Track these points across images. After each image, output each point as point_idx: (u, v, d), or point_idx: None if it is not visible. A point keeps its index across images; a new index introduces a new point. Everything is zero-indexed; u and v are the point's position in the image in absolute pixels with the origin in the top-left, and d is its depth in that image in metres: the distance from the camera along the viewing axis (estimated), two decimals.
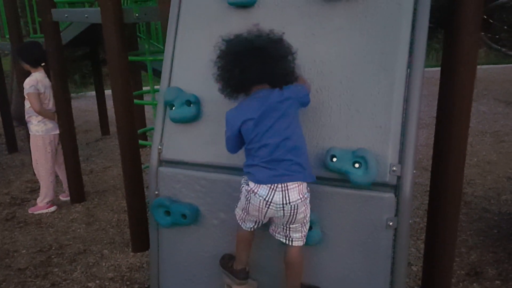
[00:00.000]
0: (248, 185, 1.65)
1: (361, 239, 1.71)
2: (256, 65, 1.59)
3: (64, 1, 3.34)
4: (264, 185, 1.59)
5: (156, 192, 2.01)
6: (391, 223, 1.66)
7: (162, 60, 2.09)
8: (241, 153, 1.84)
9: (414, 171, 1.65)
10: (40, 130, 3.74)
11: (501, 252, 2.87)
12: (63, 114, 3.77)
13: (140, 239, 3.04)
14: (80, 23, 4.04)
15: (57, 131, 3.79)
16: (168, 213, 1.96)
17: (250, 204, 1.64)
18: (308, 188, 1.65)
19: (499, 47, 8.44)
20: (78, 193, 4.06)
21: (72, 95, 8.89)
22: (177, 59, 2.05)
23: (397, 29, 1.69)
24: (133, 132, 2.97)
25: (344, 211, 1.72)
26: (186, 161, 1.97)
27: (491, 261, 2.77)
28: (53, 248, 3.19)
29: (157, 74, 5.14)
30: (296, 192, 1.59)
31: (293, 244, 1.68)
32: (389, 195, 1.66)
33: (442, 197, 2.14)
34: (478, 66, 7.80)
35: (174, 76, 2.04)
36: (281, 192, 1.57)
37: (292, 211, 1.60)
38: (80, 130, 6.80)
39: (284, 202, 1.58)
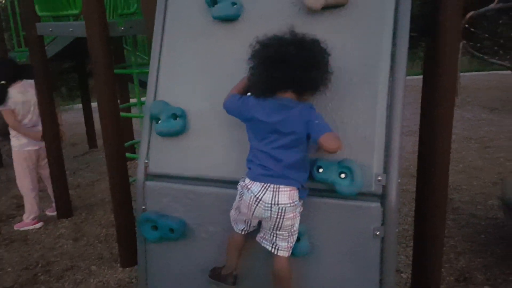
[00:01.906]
0: (244, 180, 1.69)
1: (349, 249, 1.72)
2: (280, 73, 1.58)
3: (49, 15, 3.32)
4: (258, 183, 1.63)
5: (143, 207, 2.00)
6: (378, 233, 1.67)
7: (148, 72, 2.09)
8: (230, 165, 1.85)
9: (399, 180, 1.67)
10: (15, 145, 3.73)
11: (489, 257, 2.90)
12: (48, 128, 3.73)
13: (129, 254, 3.00)
14: (65, 37, 4.03)
15: (33, 147, 3.75)
16: (155, 227, 1.95)
17: (242, 200, 1.68)
18: (302, 202, 1.68)
19: (482, 55, 8.62)
20: (65, 208, 4.01)
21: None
22: (162, 73, 2.05)
23: (379, 41, 1.72)
24: (120, 145, 2.95)
25: (332, 222, 1.73)
26: (173, 174, 1.97)
27: (480, 266, 2.80)
28: (40, 265, 3.14)
29: (144, 85, 5.14)
30: (286, 196, 1.61)
31: (279, 254, 1.69)
32: (375, 205, 1.67)
33: (428, 204, 2.17)
34: (462, 74, 7.97)
35: (159, 90, 2.04)
36: (272, 192, 1.61)
37: (280, 213, 1.62)
38: (67, 143, 6.74)
39: (273, 202, 1.61)
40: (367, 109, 1.70)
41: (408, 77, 1.85)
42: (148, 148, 2.01)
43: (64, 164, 3.97)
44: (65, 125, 6.59)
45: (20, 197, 4.43)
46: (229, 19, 1.92)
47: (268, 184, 1.62)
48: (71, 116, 8.99)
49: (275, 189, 1.61)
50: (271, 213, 1.63)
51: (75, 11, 2.86)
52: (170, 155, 1.97)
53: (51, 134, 3.77)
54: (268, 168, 1.63)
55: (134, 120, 5.55)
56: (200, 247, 1.94)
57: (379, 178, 1.66)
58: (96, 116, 3.00)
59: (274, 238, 1.69)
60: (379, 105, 1.69)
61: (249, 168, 1.70)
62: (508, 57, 8.92)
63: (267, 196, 1.62)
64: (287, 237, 1.68)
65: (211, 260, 1.92)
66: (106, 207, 4.20)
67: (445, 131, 2.08)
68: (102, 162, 5.74)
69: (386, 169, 1.67)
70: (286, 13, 1.86)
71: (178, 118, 1.92)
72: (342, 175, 1.65)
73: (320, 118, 1.62)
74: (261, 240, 1.74)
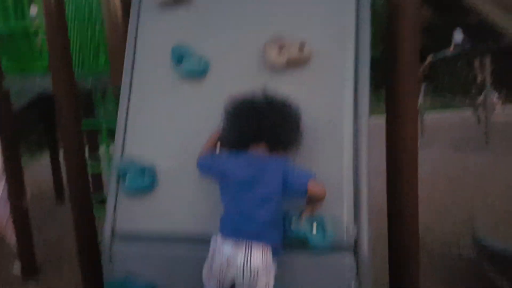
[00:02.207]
0: (215, 240, 1.63)
1: None
2: (253, 126, 1.61)
3: (16, 70, 3.29)
4: (229, 240, 1.58)
5: (111, 270, 1.92)
6: (352, 284, 1.65)
7: None
8: (201, 221, 1.82)
9: (370, 234, 1.68)
10: None
11: None
12: (13, 183, 3.61)
13: None
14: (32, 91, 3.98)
15: None
16: None
17: (213, 262, 1.61)
18: (276, 264, 1.63)
19: (443, 95, 9.02)
20: (30, 267, 3.81)
21: (25, 159, 8.57)
22: (130, 129, 2.04)
23: (342, 97, 1.78)
24: (86, 201, 2.87)
25: (306, 276, 1.70)
26: (142, 234, 1.91)
27: None
28: None
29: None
30: (259, 255, 1.56)
31: None
32: (348, 257, 1.67)
33: (401, 248, 2.18)
34: (425, 114, 8.25)
35: (127, 146, 2.02)
36: (244, 251, 1.55)
37: (253, 277, 1.56)
38: (33, 197, 6.49)
39: (245, 263, 1.55)
40: (333, 161, 1.74)
41: (378, 115, 1.89)
42: (115, 206, 1.96)
43: (29, 220, 3.81)
44: (31, 177, 6.35)
45: None
46: (196, 76, 1.95)
47: (240, 241, 1.57)
48: (38, 168, 8.73)
49: (247, 247, 1.56)
50: (243, 278, 1.57)
51: (43, 62, 2.83)
52: (139, 213, 1.92)
53: (16, 189, 3.65)
54: (240, 225, 1.59)
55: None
56: None
57: (350, 229, 1.66)
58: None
59: None
60: (345, 157, 1.73)
61: (221, 225, 1.66)
62: (469, 96, 9.36)
63: (239, 258, 1.56)
64: None
65: None
66: (74, 264, 4.01)
67: (411, 172, 2.13)
68: (69, 216, 5.54)
69: (356, 219, 1.68)
70: (251, 70, 1.92)
71: (145, 175, 1.90)
72: (314, 229, 1.65)
73: (297, 167, 1.63)
74: None
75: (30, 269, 3.80)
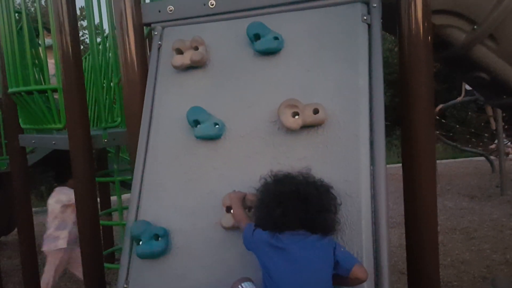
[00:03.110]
0: None
1: None
2: (298, 211, 1.52)
3: (32, 128, 3.37)
4: None
5: None
6: None
7: (131, 178, 2.07)
8: (216, 285, 1.77)
9: None
10: None
11: None
12: (24, 232, 3.69)
13: None
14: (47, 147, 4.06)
15: None
16: None
17: None
18: None
19: (454, 143, 8.97)
20: None
21: (37, 208, 8.58)
22: (145, 190, 2.04)
23: (357, 158, 1.78)
24: (98, 255, 2.84)
25: None
26: None
27: None
28: None
29: (127, 186, 5.11)
30: None
31: None
32: None
33: None
34: (438, 161, 8.18)
35: (141, 208, 2.01)
36: None
37: None
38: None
39: None
40: (351, 224, 1.70)
41: (388, 166, 1.87)
42: (128, 271, 1.93)
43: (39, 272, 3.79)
44: (42, 226, 6.36)
45: None
46: (212, 139, 1.97)
47: None
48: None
49: None
50: None
51: (59, 126, 2.91)
52: (152, 277, 1.88)
53: (27, 240, 3.71)
54: None
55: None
56: None
57: None
58: None
59: None
60: (364, 220, 1.70)
61: None
62: (481, 143, 9.30)
63: None
64: None
65: None
66: None
67: (431, 220, 2.09)
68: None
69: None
70: (266, 131, 1.93)
71: (160, 239, 1.87)
72: None
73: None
74: None
75: None
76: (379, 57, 1.94)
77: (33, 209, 3.98)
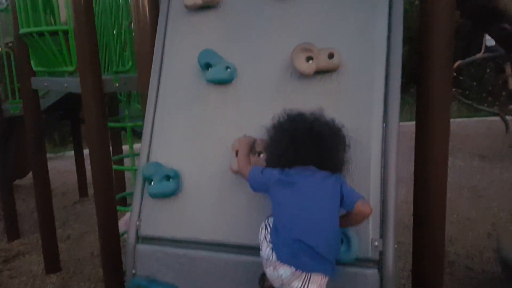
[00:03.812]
0: (269, 254, 1.48)
1: None
2: (311, 148, 1.54)
3: (44, 71, 3.36)
4: (287, 266, 1.45)
5: (133, 271, 1.94)
6: None
7: (142, 125, 2.09)
8: (225, 227, 1.82)
9: (396, 246, 1.65)
10: None
11: None
12: (39, 178, 3.72)
13: None
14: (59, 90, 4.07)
15: None
16: None
17: (267, 270, 1.51)
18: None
19: (470, 102, 8.80)
20: (53, 262, 3.89)
21: (50, 155, 8.75)
22: (156, 134, 2.05)
23: (370, 108, 1.75)
24: (111, 200, 2.91)
25: None
26: (165, 237, 1.92)
27: None
28: None
29: (137, 134, 5.16)
30: (316, 286, 1.46)
31: None
32: (372, 271, 1.64)
33: (426, 258, 2.13)
34: (452, 120, 8.09)
35: (153, 151, 2.03)
36: (301, 282, 1.45)
37: None
38: (58, 192, 6.63)
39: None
40: (360, 172, 1.70)
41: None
42: (140, 209, 1.98)
43: (54, 215, 3.90)
44: (56, 173, 6.47)
45: (7, 250, 4.31)
46: (223, 83, 1.95)
47: (299, 272, 1.45)
48: (63, 164, 8.91)
49: (305, 278, 1.45)
50: None
51: (70, 68, 2.89)
52: (163, 217, 1.93)
53: (41, 184, 3.75)
54: (301, 256, 1.44)
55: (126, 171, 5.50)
56: None
57: (376, 243, 1.63)
58: (88, 162, 3.02)
59: None
60: (373, 167, 1.70)
61: (277, 248, 1.48)
62: (497, 103, 9.11)
63: (295, 284, 1.45)
64: None
65: None
66: (95, 261, 4.08)
67: (441, 179, 2.09)
68: (92, 212, 5.61)
69: (382, 234, 1.65)
70: (278, 78, 1.90)
71: (171, 180, 1.90)
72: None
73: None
74: None
75: (53, 264, 3.88)
76: (400, 8, 1.85)
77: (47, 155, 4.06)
